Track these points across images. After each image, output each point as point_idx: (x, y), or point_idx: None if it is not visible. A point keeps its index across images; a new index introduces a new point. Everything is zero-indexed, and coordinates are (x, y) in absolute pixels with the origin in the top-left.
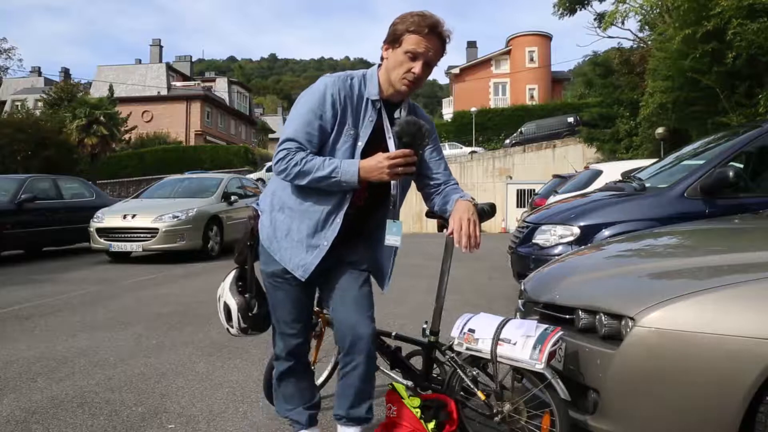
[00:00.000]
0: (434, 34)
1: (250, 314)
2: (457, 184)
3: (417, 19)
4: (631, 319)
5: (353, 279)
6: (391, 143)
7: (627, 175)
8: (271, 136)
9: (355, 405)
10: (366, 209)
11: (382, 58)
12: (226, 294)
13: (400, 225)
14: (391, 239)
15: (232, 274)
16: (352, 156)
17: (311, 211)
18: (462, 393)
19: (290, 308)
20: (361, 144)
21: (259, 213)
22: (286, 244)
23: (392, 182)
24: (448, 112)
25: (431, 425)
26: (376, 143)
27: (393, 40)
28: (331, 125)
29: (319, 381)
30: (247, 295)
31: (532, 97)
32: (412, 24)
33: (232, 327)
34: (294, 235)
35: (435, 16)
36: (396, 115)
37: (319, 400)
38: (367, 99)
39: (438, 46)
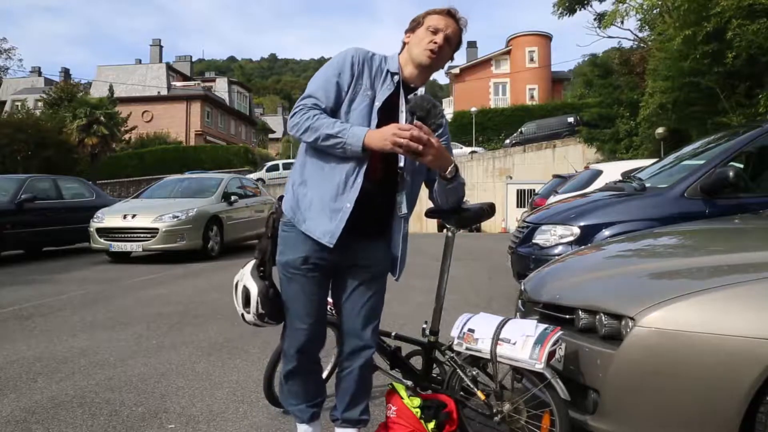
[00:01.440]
0: (452, 17)
1: (269, 299)
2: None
3: (436, 7)
4: (631, 319)
5: (364, 287)
6: (402, 118)
7: (627, 175)
8: (271, 136)
9: (350, 408)
10: (381, 187)
11: (403, 46)
12: (246, 278)
13: (403, 195)
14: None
15: (252, 262)
16: (369, 116)
17: (331, 175)
18: (462, 393)
19: (303, 301)
20: (377, 104)
21: (281, 206)
22: (310, 215)
23: (400, 155)
24: (448, 112)
25: (431, 425)
26: (389, 115)
27: (414, 25)
28: (348, 84)
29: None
30: (267, 282)
31: (532, 97)
32: (431, 10)
33: (248, 312)
34: (317, 204)
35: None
36: (410, 97)
37: (324, 398)
38: (387, 71)
39: (456, 28)
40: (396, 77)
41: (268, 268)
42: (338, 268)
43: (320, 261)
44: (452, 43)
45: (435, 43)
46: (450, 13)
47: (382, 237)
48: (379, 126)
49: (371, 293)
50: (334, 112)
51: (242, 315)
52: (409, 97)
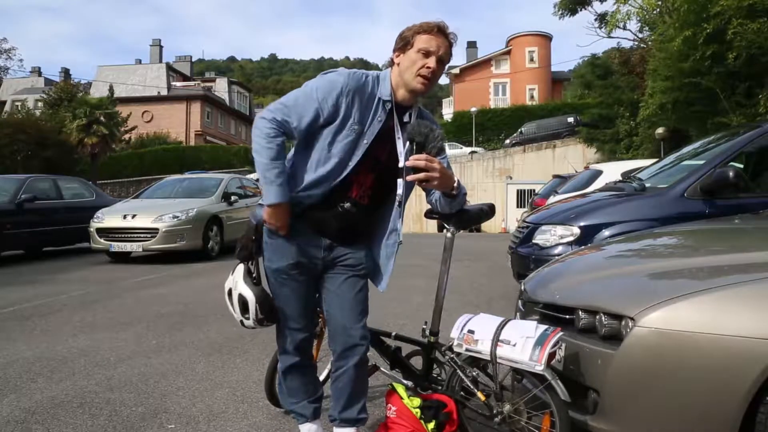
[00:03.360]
0: (442, 34)
1: (267, 304)
2: (460, 182)
3: (423, 23)
4: (631, 319)
5: (351, 284)
6: (399, 143)
7: (627, 175)
8: None
9: (347, 407)
10: (369, 208)
11: (392, 64)
12: (241, 287)
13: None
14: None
15: (241, 267)
16: (352, 151)
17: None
18: (462, 393)
19: (296, 304)
20: (366, 142)
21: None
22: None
23: (399, 181)
24: (448, 112)
25: (431, 425)
26: (384, 142)
27: (404, 44)
28: (330, 114)
29: (320, 378)
30: (261, 287)
31: (532, 97)
32: (420, 27)
33: (248, 319)
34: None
35: (441, 20)
36: (405, 119)
37: (322, 393)
38: (379, 99)
39: (447, 44)
40: (388, 105)
41: (258, 273)
42: (326, 268)
43: (309, 264)
44: (445, 62)
45: (428, 68)
46: (440, 30)
47: (369, 236)
48: (368, 153)
49: (358, 289)
50: (304, 132)
51: (241, 321)
52: (404, 122)
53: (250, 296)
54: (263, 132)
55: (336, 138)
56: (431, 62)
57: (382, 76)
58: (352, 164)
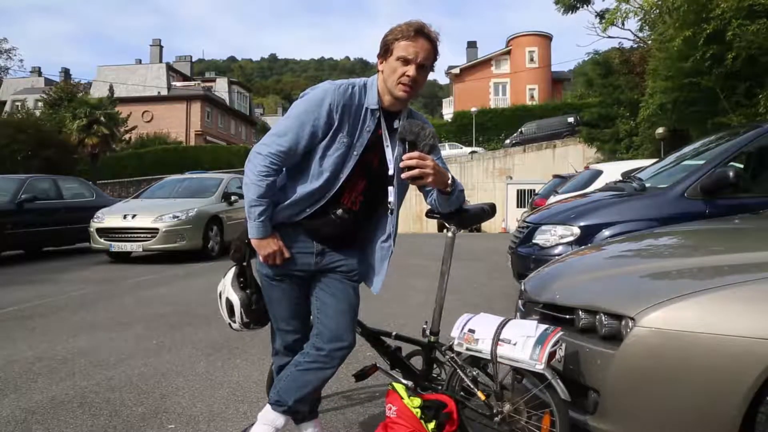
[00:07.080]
0: (422, 36)
1: (252, 309)
2: (455, 179)
3: (403, 26)
4: (632, 319)
5: (345, 291)
6: (388, 151)
7: (627, 175)
8: None
9: (303, 398)
10: (361, 213)
11: (378, 70)
12: (228, 290)
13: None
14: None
15: (232, 270)
16: (343, 163)
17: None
18: (462, 393)
19: (286, 306)
20: (356, 154)
21: None
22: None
23: (390, 188)
24: (448, 112)
25: (431, 425)
26: (373, 150)
27: (384, 51)
28: (324, 131)
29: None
30: (248, 291)
31: (532, 97)
32: (399, 32)
33: (234, 322)
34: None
35: (420, 20)
36: (395, 124)
37: (320, 393)
38: (366, 108)
39: (428, 47)
40: (376, 113)
41: (248, 276)
42: (318, 273)
43: (301, 269)
44: (428, 65)
45: (408, 76)
46: (419, 33)
47: (363, 240)
48: (359, 161)
49: (352, 296)
50: (302, 155)
51: (229, 324)
52: (395, 128)
53: (236, 300)
54: (256, 168)
55: (326, 152)
56: (410, 70)
57: (369, 84)
58: (343, 176)
